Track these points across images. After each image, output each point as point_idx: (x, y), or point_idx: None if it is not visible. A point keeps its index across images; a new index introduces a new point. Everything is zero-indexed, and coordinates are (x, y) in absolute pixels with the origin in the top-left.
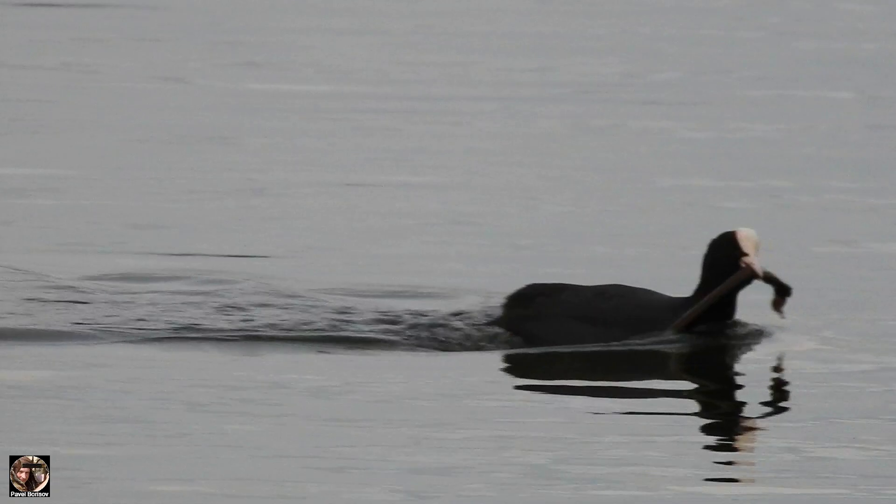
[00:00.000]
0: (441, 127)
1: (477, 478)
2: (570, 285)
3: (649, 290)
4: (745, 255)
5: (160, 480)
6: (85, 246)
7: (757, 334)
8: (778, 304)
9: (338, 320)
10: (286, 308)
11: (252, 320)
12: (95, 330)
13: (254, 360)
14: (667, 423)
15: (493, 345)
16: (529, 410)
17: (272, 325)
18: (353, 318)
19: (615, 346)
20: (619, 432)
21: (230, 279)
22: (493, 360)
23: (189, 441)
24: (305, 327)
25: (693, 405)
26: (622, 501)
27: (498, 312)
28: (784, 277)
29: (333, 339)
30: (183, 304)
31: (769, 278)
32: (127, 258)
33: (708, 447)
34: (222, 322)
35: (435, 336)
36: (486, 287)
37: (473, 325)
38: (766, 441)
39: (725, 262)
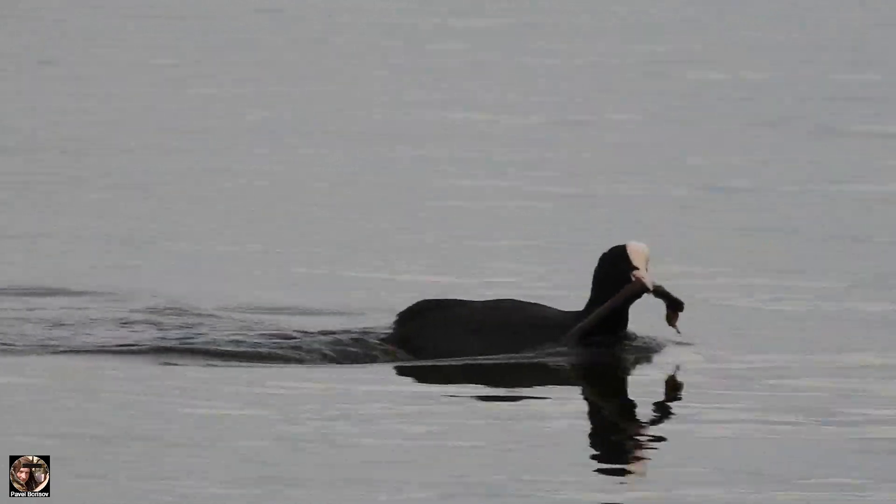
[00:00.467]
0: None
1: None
2: (462, 300)
3: (541, 305)
4: (636, 268)
5: None
6: None
7: (649, 347)
8: (671, 319)
9: (232, 336)
10: (180, 324)
11: (155, 335)
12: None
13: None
14: (555, 433)
15: (385, 359)
16: (419, 421)
17: (162, 339)
18: (246, 333)
19: (506, 359)
20: (506, 443)
21: (128, 294)
22: (383, 373)
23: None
24: (195, 342)
25: (583, 417)
26: None
27: (390, 329)
28: (676, 292)
29: (223, 353)
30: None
31: (660, 292)
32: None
33: (596, 457)
34: (116, 337)
35: (327, 353)
36: (382, 305)
37: (366, 342)
38: (655, 452)
39: (616, 276)
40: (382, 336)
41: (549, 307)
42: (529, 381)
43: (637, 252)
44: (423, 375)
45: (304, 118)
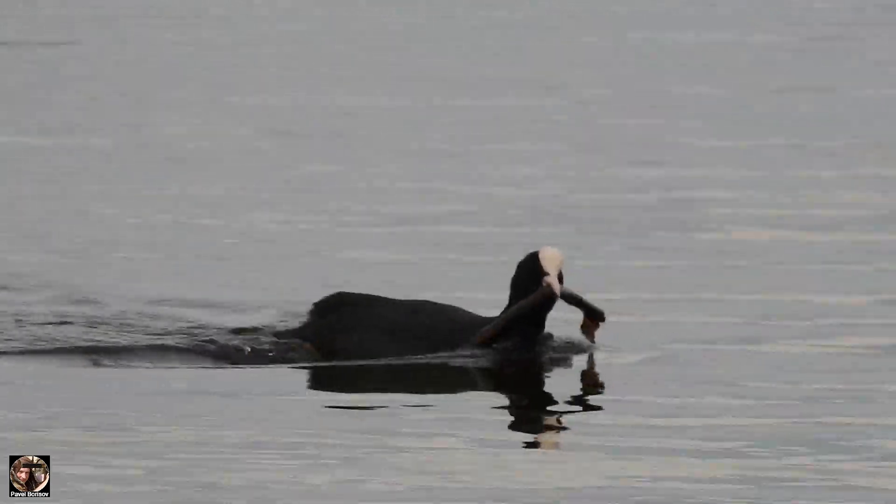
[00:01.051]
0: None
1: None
2: (380, 298)
3: (457, 308)
4: (546, 274)
5: None
6: None
7: (567, 350)
8: (588, 328)
9: (140, 331)
10: (77, 318)
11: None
12: None
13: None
14: (467, 435)
15: (296, 356)
16: (327, 425)
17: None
18: (157, 329)
19: (419, 360)
20: (418, 444)
21: (26, 285)
22: (294, 374)
23: None
24: (99, 338)
25: (494, 419)
26: None
27: (304, 320)
28: (596, 302)
29: (131, 349)
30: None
31: (571, 299)
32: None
33: (508, 460)
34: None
35: (236, 347)
36: (293, 298)
37: (278, 334)
38: (568, 457)
39: (528, 282)
40: (295, 328)
41: (466, 311)
42: (442, 384)
43: (549, 258)
44: (335, 377)
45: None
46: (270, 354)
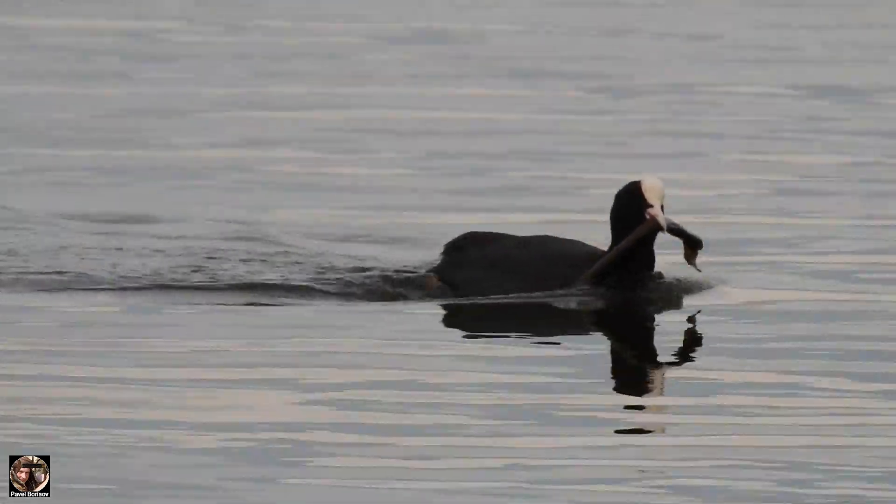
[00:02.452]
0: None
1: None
2: (502, 235)
3: (575, 242)
4: (650, 206)
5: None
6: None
7: (676, 287)
8: (690, 257)
9: (268, 268)
10: (212, 255)
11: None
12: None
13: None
14: (570, 373)
15: (414, 294)
16: (431, 361)
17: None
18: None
19: (522, 298)
20: (515, 386)
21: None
22: (402, 312)
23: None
24: (231, 276)
25: (601, 357)
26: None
27: (437, 260)
28: (694, 230)
29: (260, 287)
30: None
31: (675, 231)
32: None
33: (616, 405)
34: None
35: (364, 284)
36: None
37: (410, 272)
38: (678, 393)
39: (631, 214)
40: (431, 267)
41: (584, 244)
42: (548, 322)
43: (651, 189)
44: (447, 314)
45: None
46: (399, 291)
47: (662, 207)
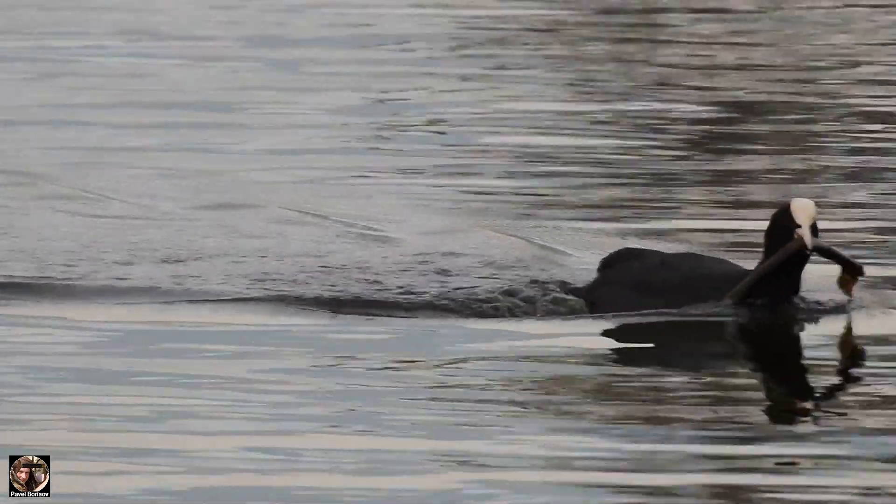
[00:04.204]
0: None
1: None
2: (649, 252)
3: (722, 261)
4: (798, 226)
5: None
6: None
7: (822, 310)
8: (845, 283)
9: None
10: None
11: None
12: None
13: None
14: (707, 393)
15: (563, 310)
16: (560, 380)
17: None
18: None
19: (665, 316)
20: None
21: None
22: (545, 327)
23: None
24: (370, 289)
25: (741, 379)
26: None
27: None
28: (854, 256)
29: (405, 305)
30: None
31: (827, 253)
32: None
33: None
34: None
35: (519, 300)
36: None
37: (563, 290)
38: (822, 420)
39: (781, 235)
40: (583, 284)
41: (731, 264)
42: (689, 340)
43: (801, 209)
44: (584, 331)
45: None
46: (544, 307)
47: (815, 229)
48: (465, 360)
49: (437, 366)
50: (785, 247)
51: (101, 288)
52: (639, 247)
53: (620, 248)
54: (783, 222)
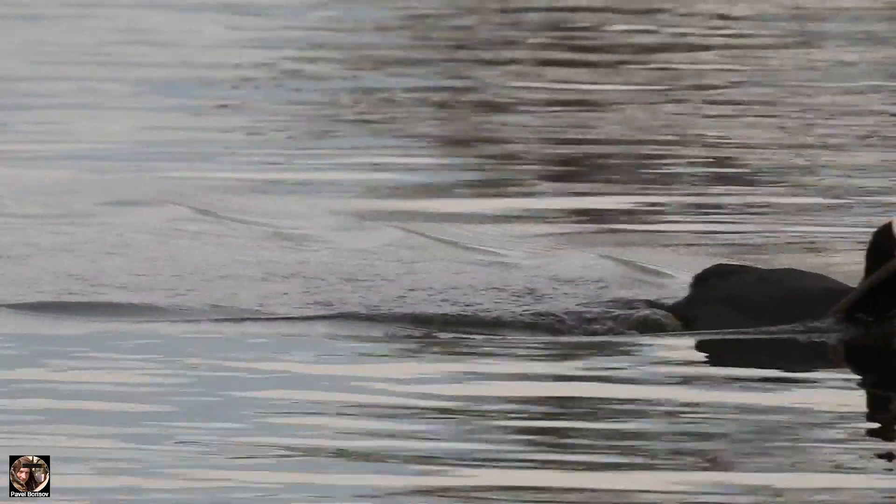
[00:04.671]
0: None
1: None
2: (746, 268)
3: (821, 277)
4: None
5: None
6: None
7: None
8: None
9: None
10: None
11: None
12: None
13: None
14: (806, 415)
15: (655, 326)
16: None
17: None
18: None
19: (763, 334)
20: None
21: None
22: (630, 346)
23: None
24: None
25: (848, 398)
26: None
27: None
28: None
29: (480, 322)
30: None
31: None
32: None
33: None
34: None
35: (597, 317)
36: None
37: (658, 306)
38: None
39: (882, 253)
40: (676, 300)
41: (832, 280)
42: (786, 358)
43: None
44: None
45: None
46: (636, 324)
47: None
48: (559, 379)
49: (535, 381)
50: (886, 265)
51: None
52: (733, 262)
53: (712, 264)
54: (884, 241)
